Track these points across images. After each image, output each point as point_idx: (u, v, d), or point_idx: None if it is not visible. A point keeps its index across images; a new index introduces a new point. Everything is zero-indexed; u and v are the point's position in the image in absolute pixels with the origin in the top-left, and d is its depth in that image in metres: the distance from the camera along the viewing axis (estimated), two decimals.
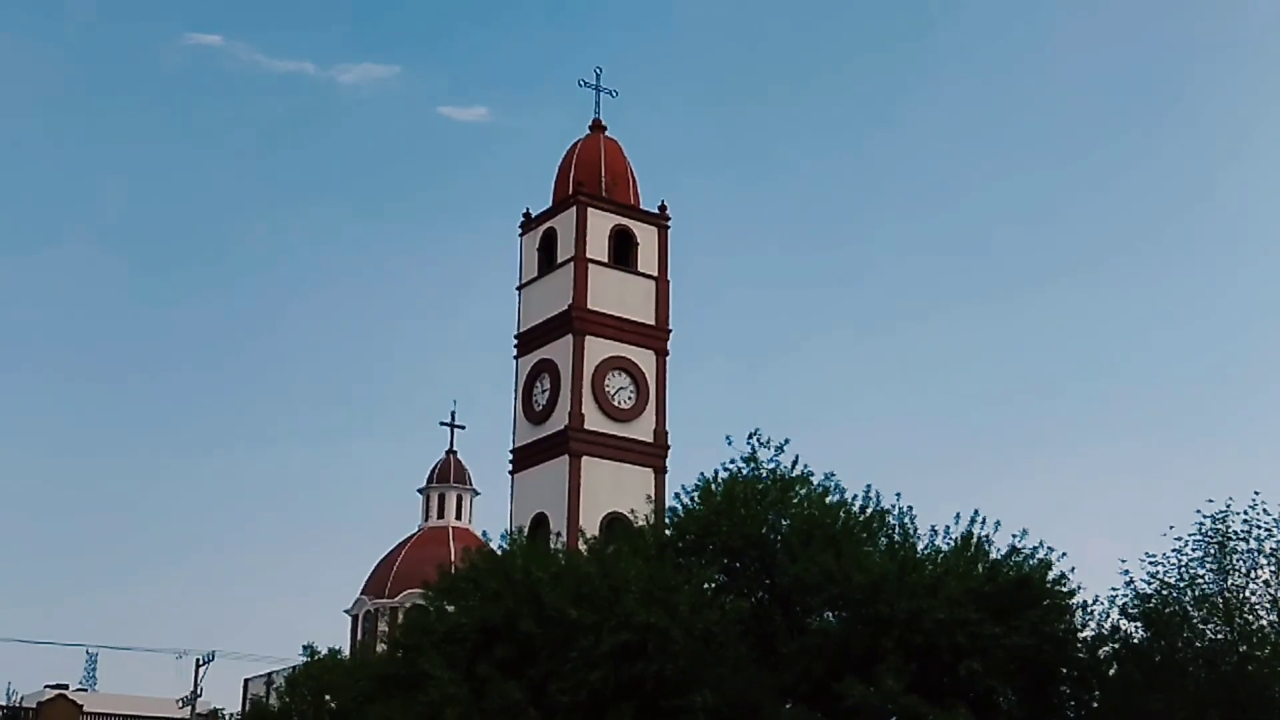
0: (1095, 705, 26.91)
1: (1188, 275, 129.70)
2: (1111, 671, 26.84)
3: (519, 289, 52.37)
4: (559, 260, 50.84)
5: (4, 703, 56.44)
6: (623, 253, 51.12)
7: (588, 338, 48.94)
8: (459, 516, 69.10)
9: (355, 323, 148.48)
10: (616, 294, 50.29)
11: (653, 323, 50.68)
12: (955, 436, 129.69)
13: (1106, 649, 27.15)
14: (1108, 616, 27.08)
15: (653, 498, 41.06)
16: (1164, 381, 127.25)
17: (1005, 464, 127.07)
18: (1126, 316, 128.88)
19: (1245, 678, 24.76)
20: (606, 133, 52.99)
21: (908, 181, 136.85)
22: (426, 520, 69.65)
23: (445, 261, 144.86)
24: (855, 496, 29.93)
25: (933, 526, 28.52)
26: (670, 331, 50.98)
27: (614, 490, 46.19)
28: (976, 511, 27.82)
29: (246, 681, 63.48)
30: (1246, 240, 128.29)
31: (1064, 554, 27.31)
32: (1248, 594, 25.74)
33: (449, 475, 69.98)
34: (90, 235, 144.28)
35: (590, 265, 50.02)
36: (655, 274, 51.38)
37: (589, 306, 49.44)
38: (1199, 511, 26.12)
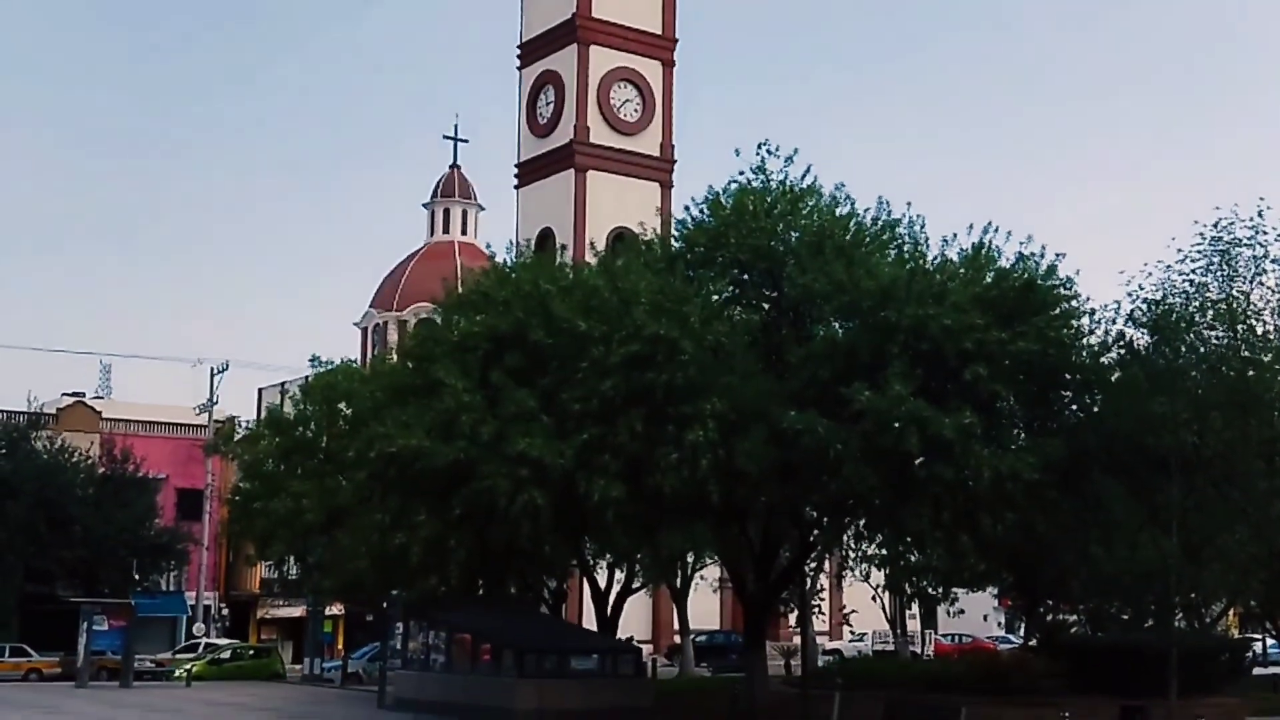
0: (1097, 410, 27.34)
1: None
2: (1114, 377, 27.20)
3: None
4: None
5: (25, 409, 57.73)
6: None
7: (592, 48, 48.03)
8: (464, 231, 69.20)
9: (354, 35, 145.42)
10: (621, 1, 49.09)
11: (659, 32, 49.64)
12: (968, 149, 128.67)
13: (1110, 355, 27.44)
14: (1114, 323, 27.29)
15: (660, 211, 41.06)
16: (1171, 92, 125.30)
17: (1017, 178, 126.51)
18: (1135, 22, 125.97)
19: (1246, 382, 25.15)
20: None
21: None
22: (432, 235, 69.78)
23: None
24: (866, 209, 29.82)
25: (944, 237, 28.46)
26: (677, 41, 49.96)
27: (620, 205, 46.17)
28: (990, 222, 27.68)
29: (260, 391, 64.83)
30: None
31: (1064, 255, 27.23)
32: (1253, 299, 25.89)
33: (453, 190, 69.76)
34: None
35: None
36: None
37: (593, 15, 48.36)
38: (1197, 222, 26.09)
